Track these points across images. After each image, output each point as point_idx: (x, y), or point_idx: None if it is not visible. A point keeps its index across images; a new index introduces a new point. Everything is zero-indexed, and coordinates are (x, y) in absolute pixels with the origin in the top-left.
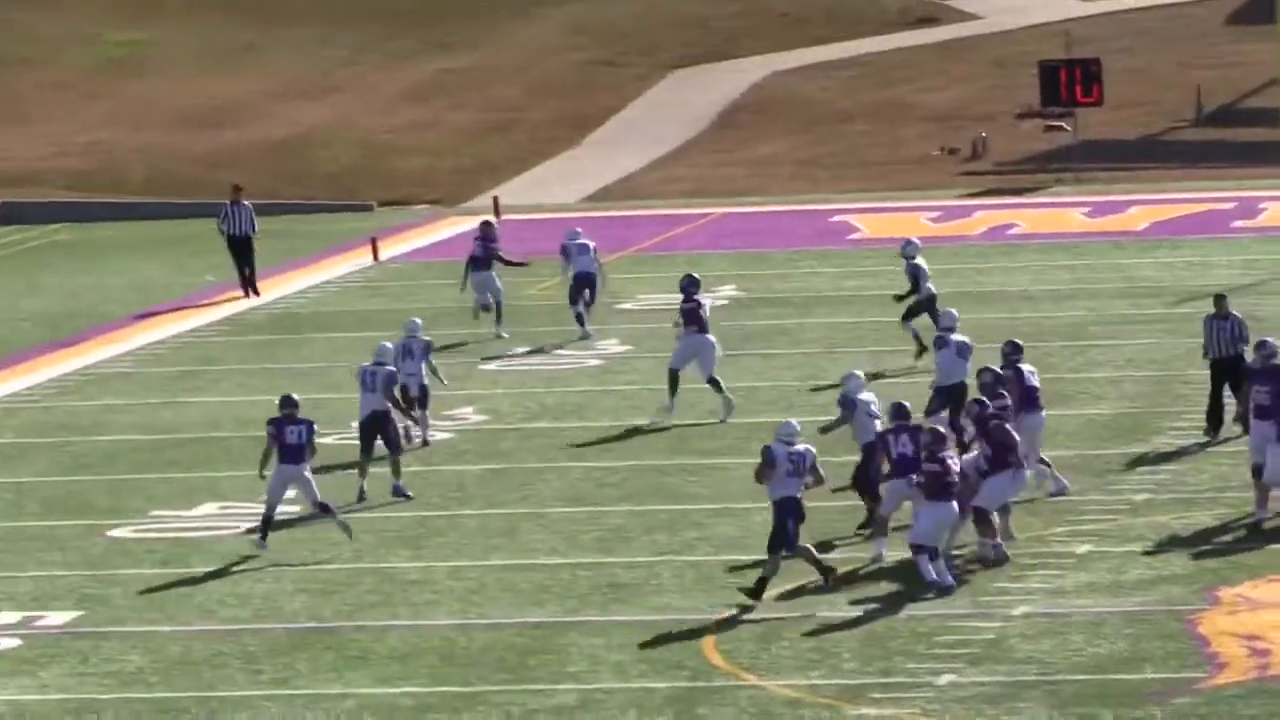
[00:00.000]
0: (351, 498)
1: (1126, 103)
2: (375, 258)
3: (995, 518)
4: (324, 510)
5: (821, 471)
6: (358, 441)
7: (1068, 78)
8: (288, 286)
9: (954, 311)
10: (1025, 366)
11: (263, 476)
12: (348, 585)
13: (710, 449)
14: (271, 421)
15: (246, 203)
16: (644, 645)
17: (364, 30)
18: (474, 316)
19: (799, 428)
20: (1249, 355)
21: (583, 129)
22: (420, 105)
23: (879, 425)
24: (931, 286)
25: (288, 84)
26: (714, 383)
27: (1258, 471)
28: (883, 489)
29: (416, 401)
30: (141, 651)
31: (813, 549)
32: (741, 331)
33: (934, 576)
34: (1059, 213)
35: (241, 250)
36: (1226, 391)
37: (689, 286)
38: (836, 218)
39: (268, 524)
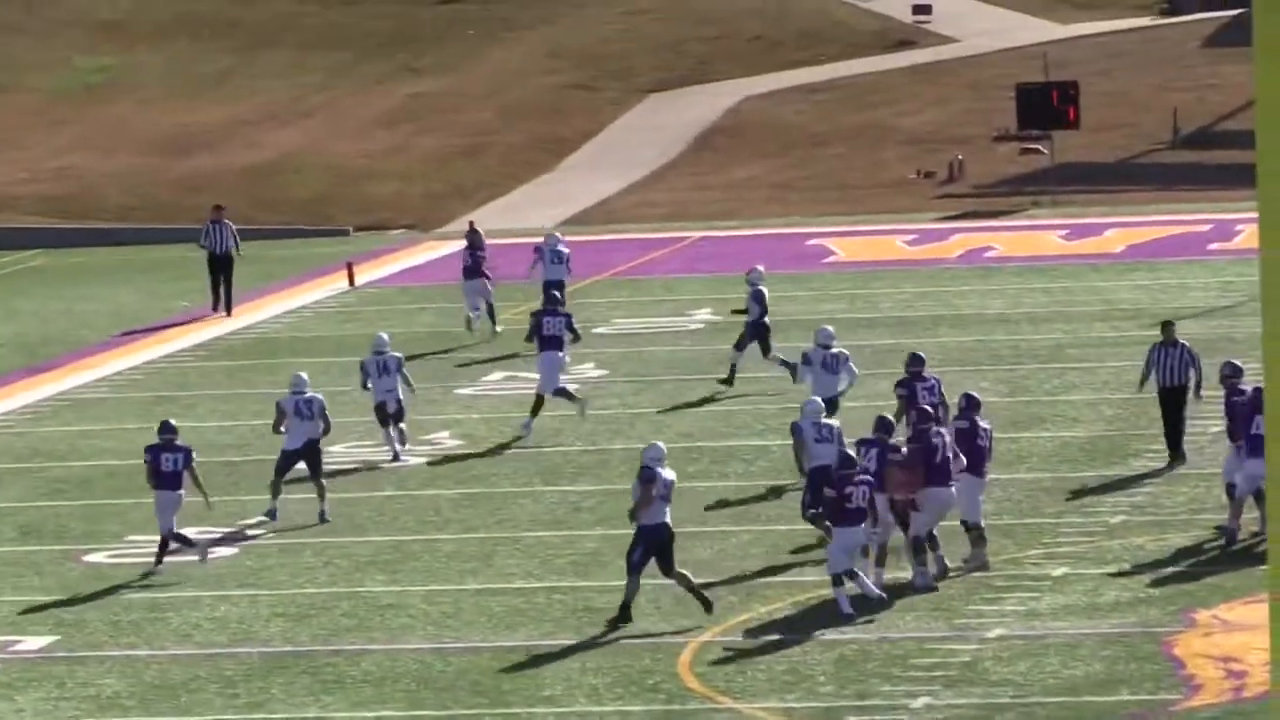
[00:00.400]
0: (310, 520)
1: (1103, 125)
2: (351, 283)
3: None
4: (181, 540)
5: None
6: (278, 462)
7: (1045, 100)
8: (263, 312)
9: (829, 328)
10: (983, 423)
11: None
12: (323, 609)
13: (684, 473)
14: (149, 448)
15: (228, 221)
16: (619, 668)
17: (337, 55)
18: (466, 328)
19: (665, 450)
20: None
21: (558, 153)
22: (393, 130)
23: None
24: (768, 319)
25: (261, 109)
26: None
27: (1232, 489)
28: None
29: (393, 417)
30: (118, 676)
31: (689, 576)
32: (716, 355)
33: (849, 610)
34: (1036, 235)
35: (222, 267)
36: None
37: (546, 302)
38: (812, 241)
39: (163, 546)
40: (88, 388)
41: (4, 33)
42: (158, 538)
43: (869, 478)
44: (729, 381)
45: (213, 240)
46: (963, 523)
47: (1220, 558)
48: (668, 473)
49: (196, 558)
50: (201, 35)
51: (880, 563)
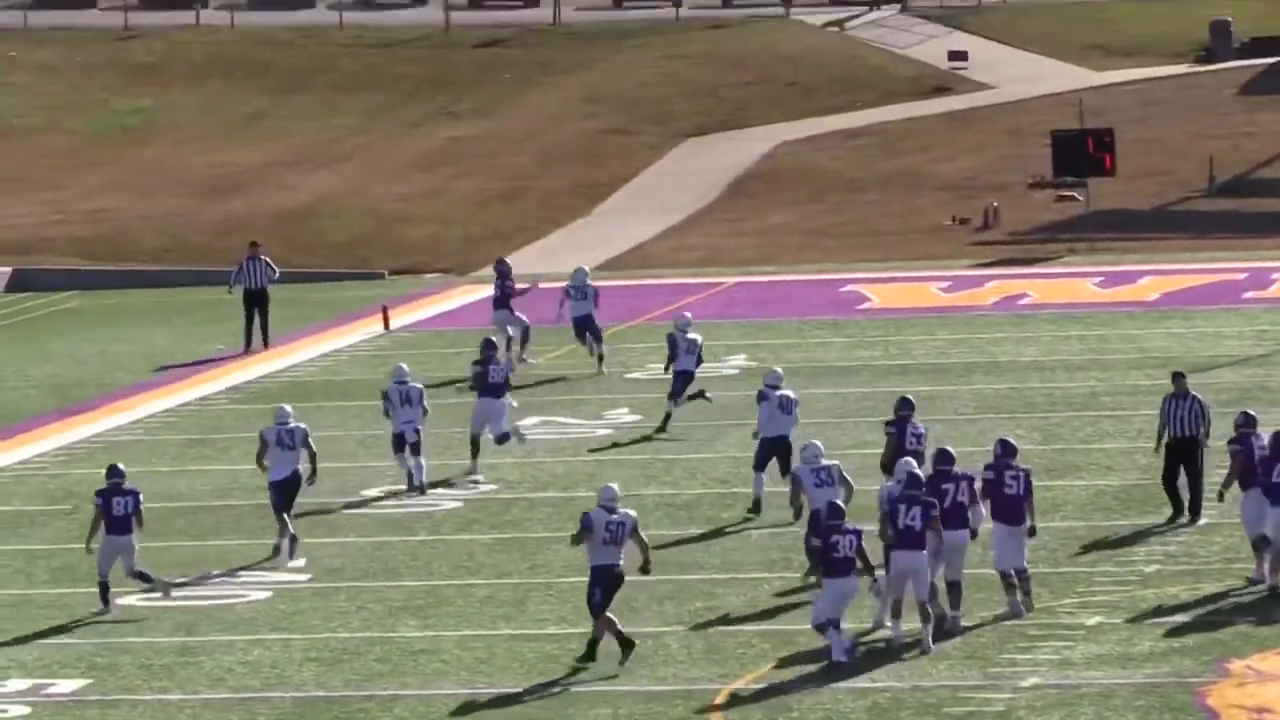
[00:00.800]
0: (343, 561)
1: (1139, 173)
2: (386, 326)
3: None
4: (141, 578)
5: (643, 535)
6: (273, 499)
7: (1080, 147)
8: (297, 355)
9: (778, 370)
10: (1011, 471)
11: (90, 550)
12: (356, 654)
13: (718, 519)
14: (99, 493)
15: (264, 257)
16: (652, 715)
17: (372, 98)
18: (520, 356)
19: (618, 492)
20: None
21: (594, 197)
22: (431, 173)
23: (829, 491)
24: (691, 364)
25: (297, 152)
26: (504, 438)
27: (1261, 542)
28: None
29: (413, 448)
30: None
31: (616, 621)
32: (751, 401)
33: (843, 656)
34: (1071, 283)
35: (257, 302)
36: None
37: (484, 348)
38: (847, 287)
39: (105, 590)
40: (121, 430)
41: (41, 74)
42: (188, 580)
43: (856, 527)
44: (663, 429)
45: (247, 277)
46: (999, 572)
47: (1254, 607)
48: (619, 515)
49: (159, 594)
50: (236, 77)
51: (896, 614)
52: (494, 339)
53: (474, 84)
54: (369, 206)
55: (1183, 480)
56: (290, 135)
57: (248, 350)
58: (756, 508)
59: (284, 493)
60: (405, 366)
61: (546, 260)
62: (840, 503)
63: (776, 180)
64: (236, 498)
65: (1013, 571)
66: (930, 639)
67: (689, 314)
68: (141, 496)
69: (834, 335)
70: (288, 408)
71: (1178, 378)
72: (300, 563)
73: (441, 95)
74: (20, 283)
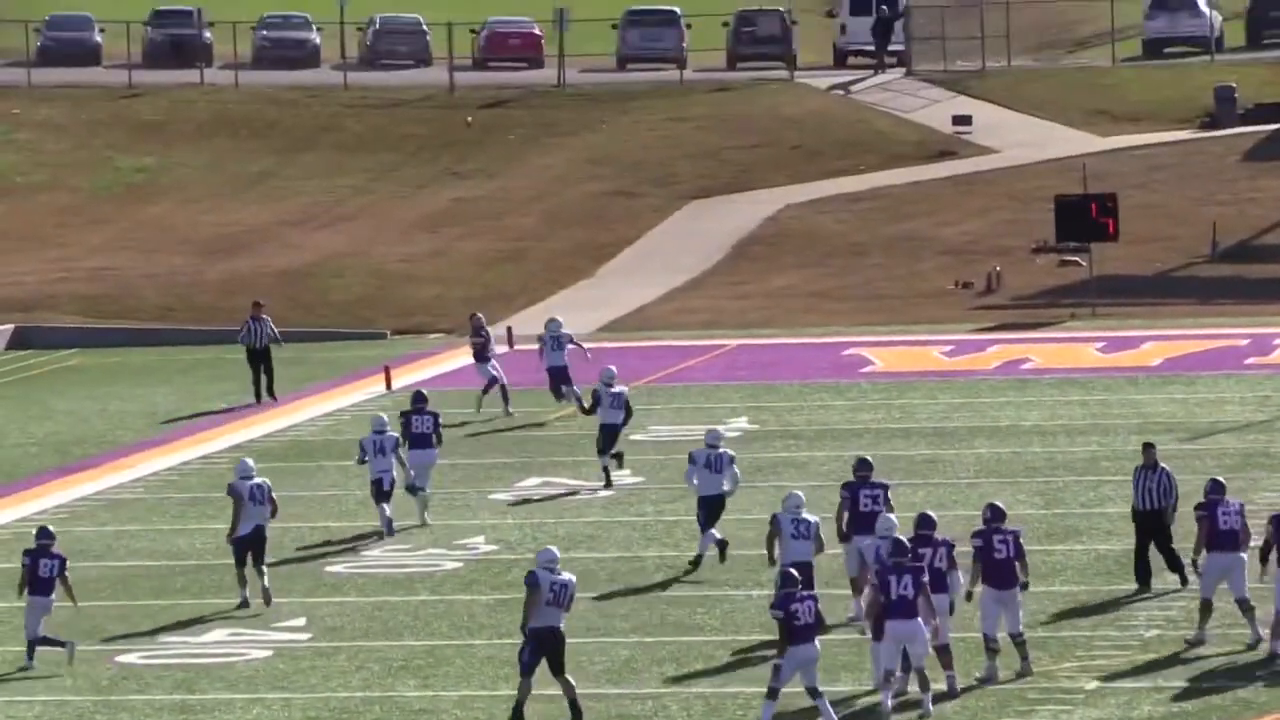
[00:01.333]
0: (346, 622)
1: (1142, 238)
2: (388, 386)
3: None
4: (48, 643)
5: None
6: (236, 554)
7: (1083, 212)
8: (300, 414)
9: (718, 429)
10: (1000, 535)
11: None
12: (356, 714)
13: (718, 580)
14: (27, 553)
15: (266, 317)
16: None
17: (378, 158)
18: (476, 409)
19: (558, 555)
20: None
21: (598, 259)
22: (435, 233)
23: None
24: (618, 418)
25: (301, 211)
26: (413, 489)
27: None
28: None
29: (386, 495)
30: None
31: (573, 685)
32: (753, 464)
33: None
34: (1073, 348)
35: (261, 359)
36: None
37: (414, 400)
38: (850, 350)
39: (31, 648)
40: (123, 488)
41: (45, 132)
42: (187, 639)
43: (811, 593)
44: (608, 484)
45: (252, 335)
46: (984, 634)
47: (1252, 673)
48: (563, 577)
49: (66, 656)
50: (241, 136)
51: (887, 682)
52: (424, 392)
53: (478, 145)
54: (373, 266)
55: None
56: (295, 195)
57: (259, 402)
58: (696, 564)
59: (247, 546)
60: (384, 417)
61: None
62: (794, 571)
63: (780, 243)
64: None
65: (998, 637)
66: (930, 705)
67: (613, 368)
68: (68, 563)
69: (836, 398)
70: (249, 461)
71: (1148, 448)
72: (300, 621)
73: (446, 156)
74: (23, 340)
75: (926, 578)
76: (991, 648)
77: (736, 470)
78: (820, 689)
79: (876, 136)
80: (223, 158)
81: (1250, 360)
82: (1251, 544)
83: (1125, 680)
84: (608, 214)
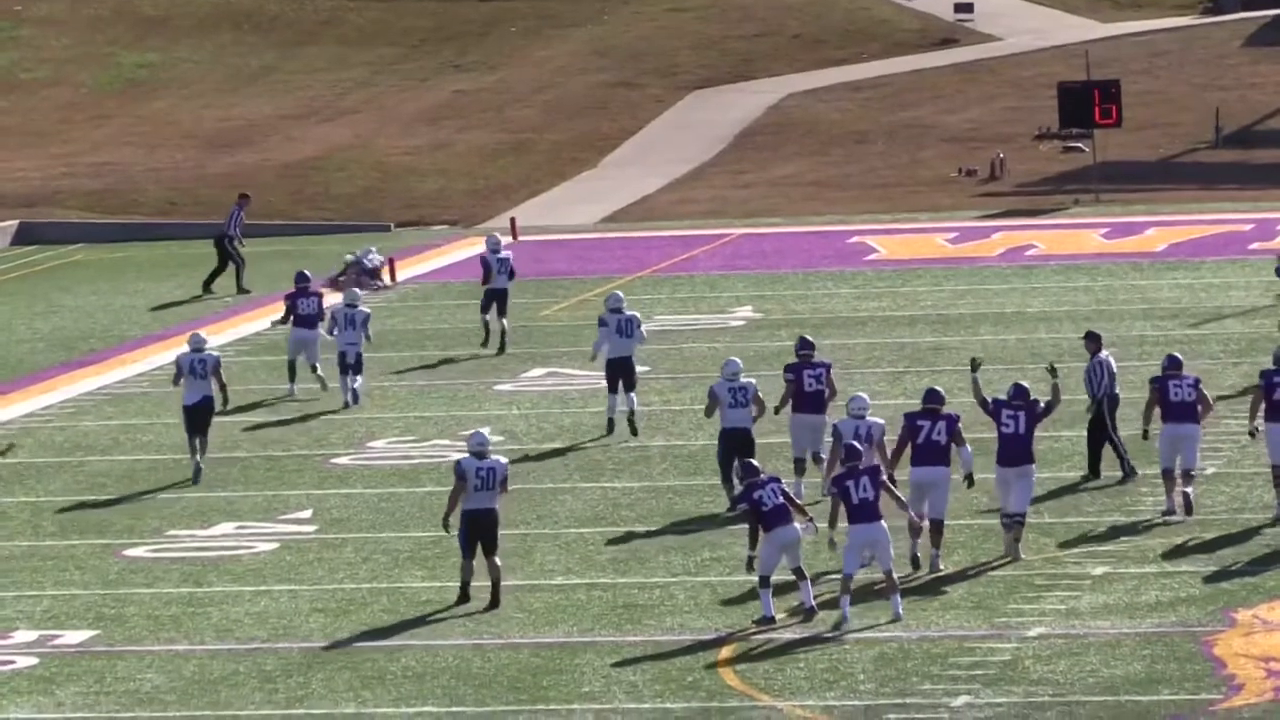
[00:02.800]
0: (351, 514)
1: (1145, 124)
2: (392, 278)
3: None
4: None
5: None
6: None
7: (1086, 99)
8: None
9: (618, 293)
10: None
11: None
12: (363, 605)
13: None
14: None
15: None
16: (658, 665)
17: (380, 52)
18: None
19: (488, 438)
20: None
21: (600, 150)
22: (437, 126)
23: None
24: (506, 281)
25: (304, 105)
26: (313, 368)
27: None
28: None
29: (352, 368)
30: (158, 671)
31: (499, 570)
32: (758, 353)
33: (770, 612)
34: (1077, 234)
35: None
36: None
37: (297, 280)
38: (854, 239)
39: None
40: (128, 382)
41: (48, 28)
42: (194, 532)
43: (774, 477)
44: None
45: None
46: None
47: (1261, 557)
48: (490, 461)
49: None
50: (244, 30)
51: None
52: (308, 272)
53: (480, 38)
54: (376, 159)
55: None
56: (297, 89)
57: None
58: (610, 429)
59: (194, 417)
60: (359, 291)
61: (552, 213)
62: (753, 461)
63: (782, 132)
64: (244, 449)
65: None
66: (899, 607)
67: (499, 235)
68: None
69: (840, 286)
70: (203, 333)
71: (1091, 338)
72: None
73: (448, 49)
74: (27, 236)
75: (884, 476)
76: (1006, 524)
77: (762, 398)
78: (805, 570)
79: (878, 24)
80: (225, 52)
81: (1254, 245)
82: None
83: (1132, 565)
84: (609, 105)
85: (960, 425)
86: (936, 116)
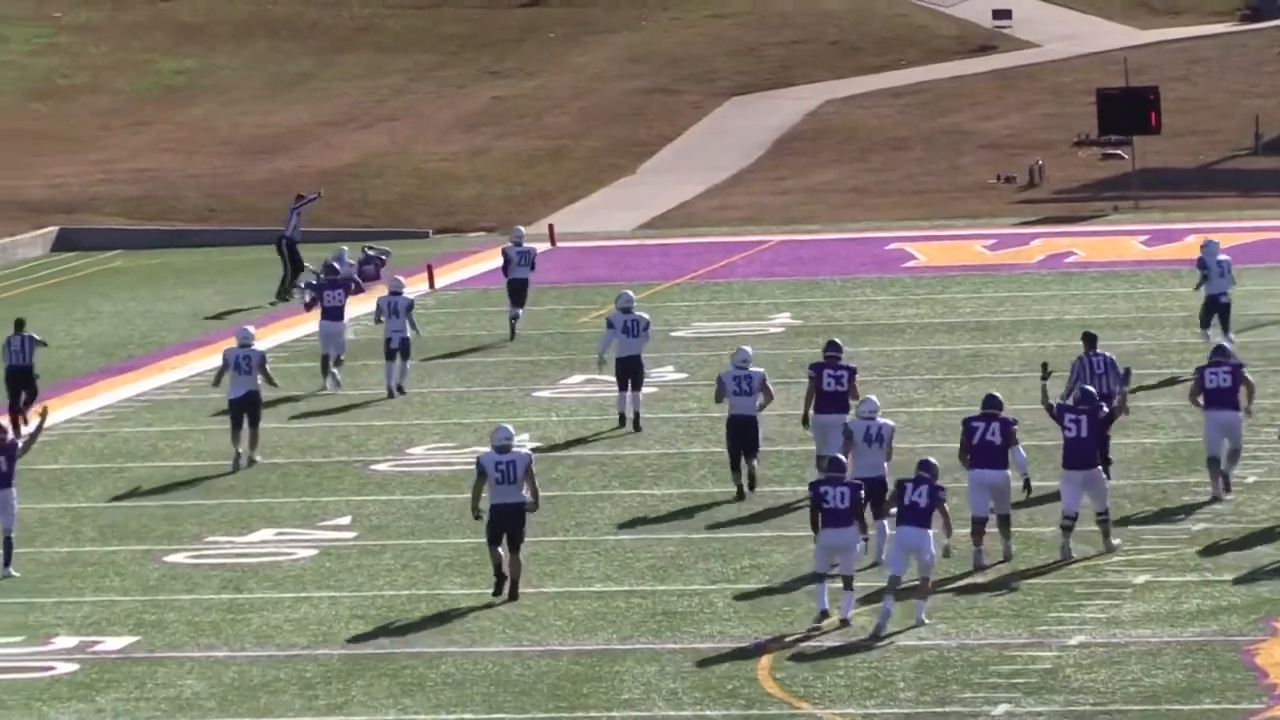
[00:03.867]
0: (390, 520)
1: (1184, 131)
2: (431, 285)
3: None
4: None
5: (535, 478)
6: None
7: (1125, 106)
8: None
9: (628, 293)
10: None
11: None
12: (403, 612)
13: (764, 476)
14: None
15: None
16: (698, 673)
17: (417, 58)
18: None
19: (512, 432)
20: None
21: (638, 156)
22: (474, 133)
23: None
24: (527, 271)
25: (342, 112)
26: (336, 361)
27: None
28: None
29: (398, 353)
30: (198, 677)
31: (510, 563)
32: (796, 360)
33: (825, 604)
34: (1116, 241)
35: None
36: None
37: (326, 271)
38: (892, 245)
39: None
40: (168, 389)
41: (86, 35)
42: (234, 539)
43: (850, 482)
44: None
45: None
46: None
47: None
48: (510, 455)
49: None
50: (281, 37)
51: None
52: (336, 264)
53: (518, 44)
54: (413, 166)
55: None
56: (335, 96)
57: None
58: (621, 422)
59: (239, 411)
60: (402, 279)
61: (590, 219)
62: (841, 457)
63: (820, 139)
64: (283, 455)
65: (1075, 515)
66: (924, 615)
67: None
68: (20, 444)
69: (879, 293)
70: (250, 329)
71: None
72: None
73: (485, 55)
74: (66, 242)
75: (944, 494)
76: (1066, 527)
77: (770, 387)
78: (853, 583)
79: (917, 31)
80: (262, 59)
81: None
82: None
83: (1173, 574)
84: (647, 111)
85: (1015, 428)
86: (975, 123)
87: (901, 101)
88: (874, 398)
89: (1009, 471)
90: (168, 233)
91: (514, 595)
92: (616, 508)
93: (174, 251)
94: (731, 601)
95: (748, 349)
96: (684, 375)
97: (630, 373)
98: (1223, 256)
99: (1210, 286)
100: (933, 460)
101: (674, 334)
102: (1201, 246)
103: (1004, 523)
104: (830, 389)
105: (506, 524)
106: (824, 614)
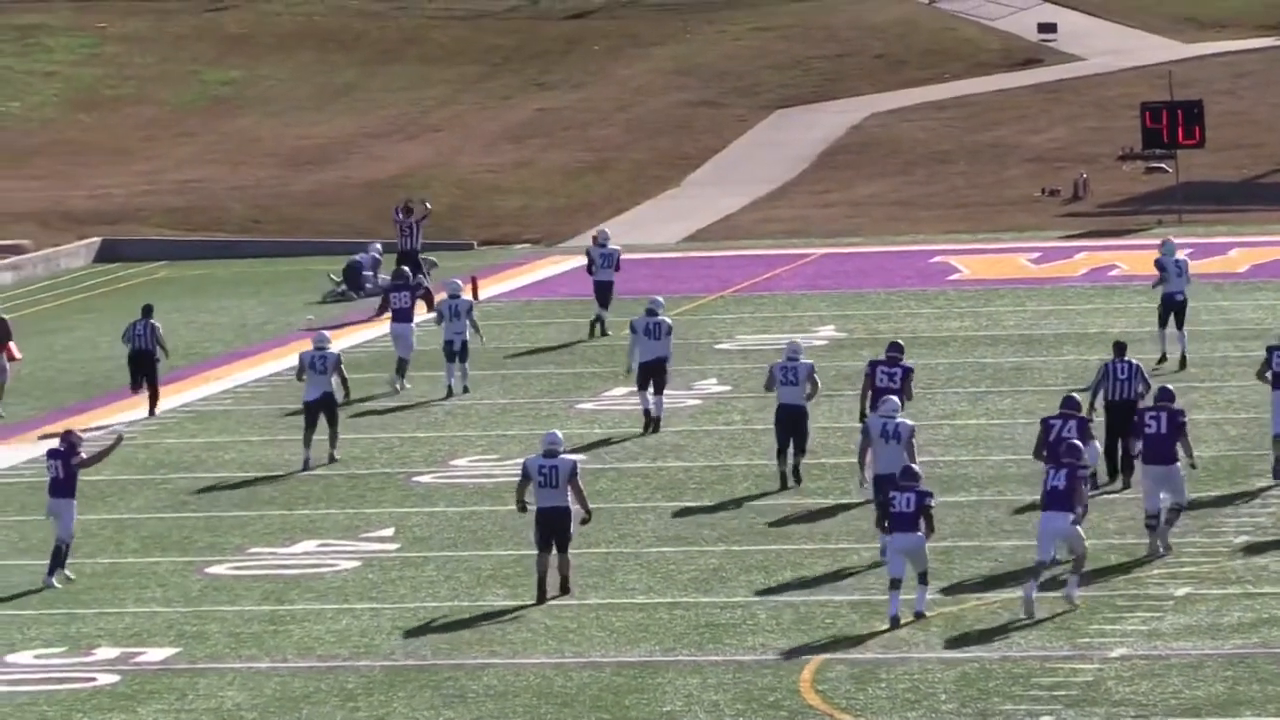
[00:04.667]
0: (434, 532)
1: (1228, 145)
2: (475, 297)
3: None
4: (59, 552)
5: (581, 484)
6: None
7: (1170, 120)
8: (388, 325)
9: (658, 297)
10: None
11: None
12: (445, 623)
13: (807, 489)
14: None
15: (414, 220)
16: (740, 685)
17: (462, 70)
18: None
19: (560, 437)
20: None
21: (683, 169)
22: (520, 144)
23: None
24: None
25: (387, 123)
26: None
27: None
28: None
29: (458, 355)
30: (239, 688)
31: (556, 566)
32: (841, 372)
33: (895, 610)
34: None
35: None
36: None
37: (394, 277)
38: (936, 258)
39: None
40: (212, 400)
41: (132, 46)
42: (276, 550)
43: (919, 490)
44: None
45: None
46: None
47: None
48: (555, 460)
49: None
50: (327, 49)
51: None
52: (406, 269)
53: (563, 56)
54: (458, 177)
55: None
56: (380, 107)
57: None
58: (646, 422)
59: (313, 412)
60: (459, 282)
61: (635, 232)
62: (914, 467)
63: (865, 152)
64: (324, 468)
65: (1161, 511)
66: (1075, 590)
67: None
68: (77, 457)
69: (923, 306)
70: (327, 334)
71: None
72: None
73: (531, 67)
74: (111, 253)
75: (1086, 473)
76: (1150, 525)
77: (817, 379)
78: (928, 578)
79: (962, 44)
80: (308, 70)
81: None
82: None
83: (1214, 587)
84: (692, 124)
85: (1186, 422)
86: (1020, 136)
87: (946, 114)
88: (895, 399)
89: (1178, 464)
90: (212, 244)
91: (566, 588)
92: (659, 520)
93: (218, 263)
94: (774, 613)
95: (799, 342)
96: (727, 388)
97: (652, 375)
98: (1180, 256)
99: (1167, 286)
100: (915, 467)
101: (717, 346)
102: (1160, 246)
103: (1174, 513)
104: (883, 385)
105: (551, 527)
106: (895, 621)
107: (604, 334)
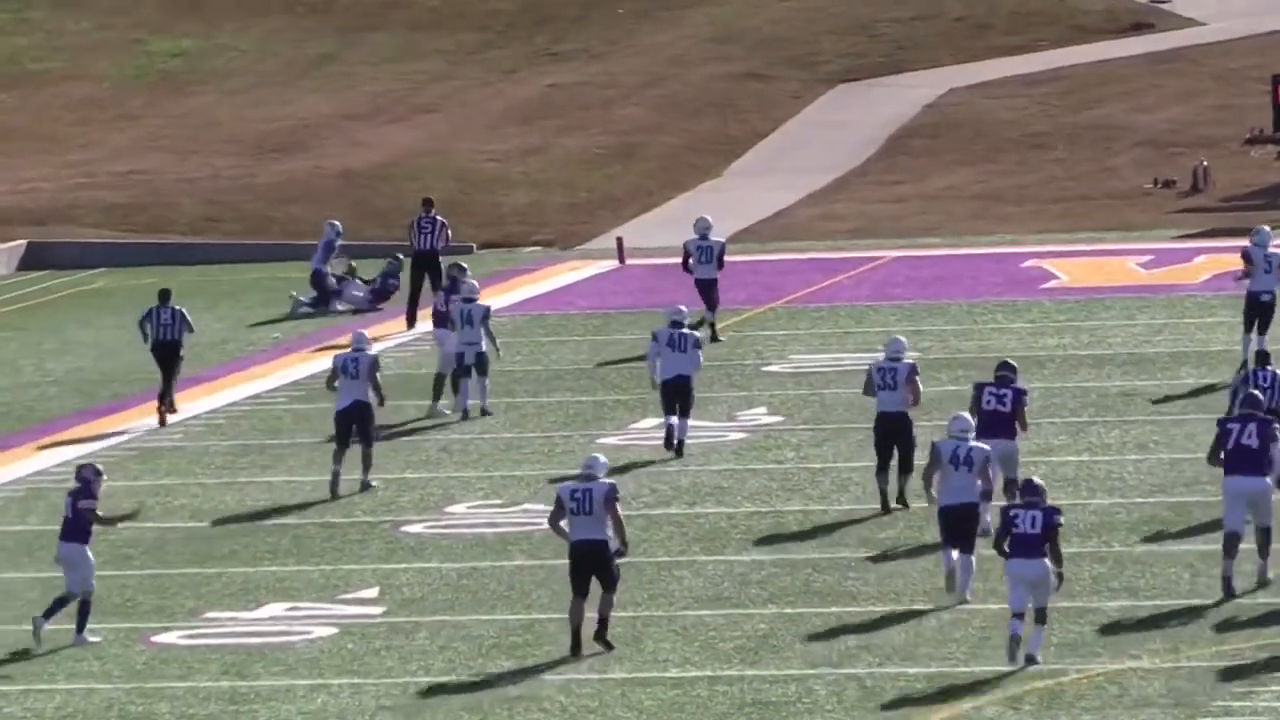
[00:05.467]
0: (426, 592)
1: None
2: None
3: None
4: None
5: (619, 510)
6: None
7: None
8: (373, 345)
9: (682, 306)
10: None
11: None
12: (439, 702)
13: (875, 539)
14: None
15: (438, 216)
16: None
17: (459, 38)
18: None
19: (603, 461)
20: None
21: (725, 156)
22: (528, 127)
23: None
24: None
25: (369, 102)
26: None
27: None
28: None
29: (474, 368)
30: None
31: (596, 615)
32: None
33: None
34: None
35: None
36: None
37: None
38: (1029, 263)
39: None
40: (159, 435)
41: (63, 10)
42: (237, 614)
43: (1043, 506)
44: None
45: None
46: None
47: None
48: (588, 484)
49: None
50: (297, 13)
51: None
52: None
53: (580, 21)
54: (455, 167)
55: None
56: (361, 82)
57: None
58: (668, 445)
59: (344, 422)
60: (475, 283)
61: (668, 232)
62: (1039, 481)
63: (943, 135)
64: (295, 515)
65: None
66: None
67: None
68: (95, 501)
69: (1013, 320)
70: (365, 332)
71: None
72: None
73: (540, 35)
74: (37, 259)
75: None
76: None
77: (919, 382)
78: (1046, 616)
79: (1057, 5)
80: (275, 39)
81: None
82: None
83: None
84: (736, 102)
85: (1276, 427)
86: (1127, 116)
87: (1039, 90)
88: (967, 415)
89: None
90: (159, 247)
91: (601, 634)
92: (698, 577)
93: (166, 269)
94: (835, 689)
95: (902, 339)
96: (779, 419)
97: (678, 396)
98: (1275, 249)
99: (1253, 282)
100: (1038, 480)
101: (766, 369)
102: (1251, 234)
103: (1265, 536)
104: (990, 408)
105: (587, 564)
106: (1015, 641)
107: (715, 339)
